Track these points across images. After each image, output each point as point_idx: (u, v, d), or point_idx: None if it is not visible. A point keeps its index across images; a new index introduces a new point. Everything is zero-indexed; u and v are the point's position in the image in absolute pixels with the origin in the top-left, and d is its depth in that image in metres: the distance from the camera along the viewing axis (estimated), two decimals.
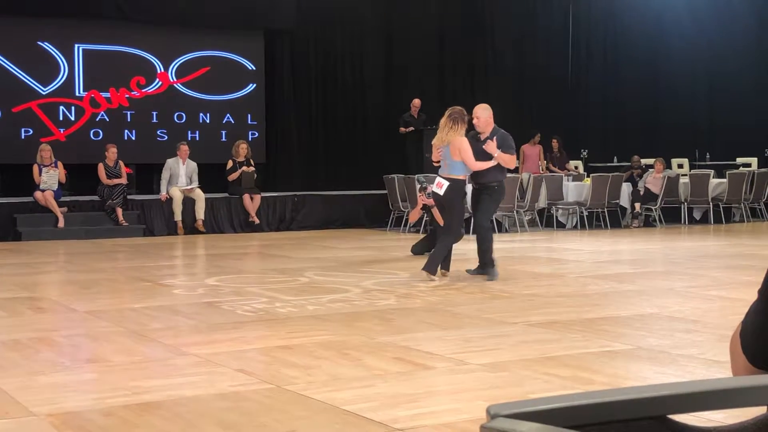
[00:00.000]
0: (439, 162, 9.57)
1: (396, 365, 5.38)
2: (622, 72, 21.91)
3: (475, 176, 9.55)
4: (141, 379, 5.09)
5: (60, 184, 15.25)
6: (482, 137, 9.54)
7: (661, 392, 1.13)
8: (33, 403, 4.56)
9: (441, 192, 9.32)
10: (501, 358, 5.59)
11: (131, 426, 4.19)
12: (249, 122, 18.36)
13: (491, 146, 9.41)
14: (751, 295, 1.49)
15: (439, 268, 9.43)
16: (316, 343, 6.04)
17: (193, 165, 16.24)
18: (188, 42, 17.88)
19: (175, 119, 17.83)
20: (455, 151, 9.25)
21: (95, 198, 15.69)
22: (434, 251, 9.50)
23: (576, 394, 1.11)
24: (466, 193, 9.77)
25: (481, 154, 9.38)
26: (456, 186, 9.33)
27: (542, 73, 21.24)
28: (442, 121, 9.44)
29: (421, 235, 13.36)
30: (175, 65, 17.82)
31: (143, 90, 17.53)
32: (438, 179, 9.41)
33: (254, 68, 18.39)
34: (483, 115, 9.57)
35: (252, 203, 16.33)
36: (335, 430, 4.12)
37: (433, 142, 9.67)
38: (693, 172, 18.38)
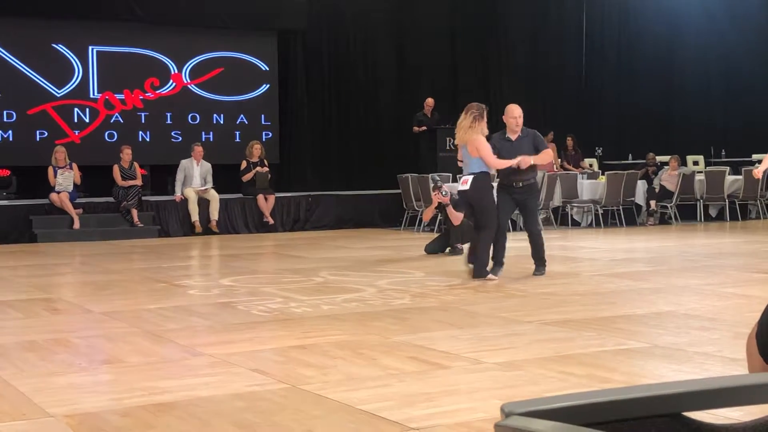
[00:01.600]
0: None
1: (411, 364, 5.37)
2: (636, 69, 21.85)
3: (516, 174, 9.38)
4: (157, 379, 5.11)
5: (75, 185, 15.31)
6: (514, 138, 9.43)
7: (676, 389, 1.13)
8: (50, 404, 4.57)
9: (467, 187, 9.19)
10: (516, 356, 5.58)
11: (148, 426, 4.20)
12: (263, 123, 18.40)
13: (526, 160, 9.24)
14: (767, 293, 1.49)
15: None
16: (332, 343, 6.04)
17: (208, 166, 16.28)
18: (202, 43, 17.93)
19: (189, 120, 17.89)
20: (473, 150, 9.15)
21: (110, 199, 15.75)
22: (479, 254, 9.26)
23: (590, 392, 1.11)
24: (493, 187, 9.57)
25: (509, 153, 9.28)
26: (480, 178, 9.18)
27: (556, 71, 21.19)
28: (461, 121, 9.30)
29: (435, 235, 13.35)
30: (188, 66, 17.88)
31: (157, 91, 17.59)
32: (462, 178, 9.36)
33: (267, 69, 18.42)
34: (522, 113, 9.48)
35: (266, 204, 16.36)
36: (351, 429, 4.12)
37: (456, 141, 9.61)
38: (708, 169, 18.30)
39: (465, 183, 9.22)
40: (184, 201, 15.88)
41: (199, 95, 17.97)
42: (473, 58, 20.57)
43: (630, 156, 20.38)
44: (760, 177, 13.50)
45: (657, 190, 17.22)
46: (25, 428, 4.22)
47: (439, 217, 14.10)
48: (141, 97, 17.45)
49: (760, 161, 19.17)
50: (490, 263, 9.43)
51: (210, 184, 16.16)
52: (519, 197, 9.50)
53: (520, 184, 9.41)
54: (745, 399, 1.16)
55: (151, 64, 17.58)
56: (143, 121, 17.52)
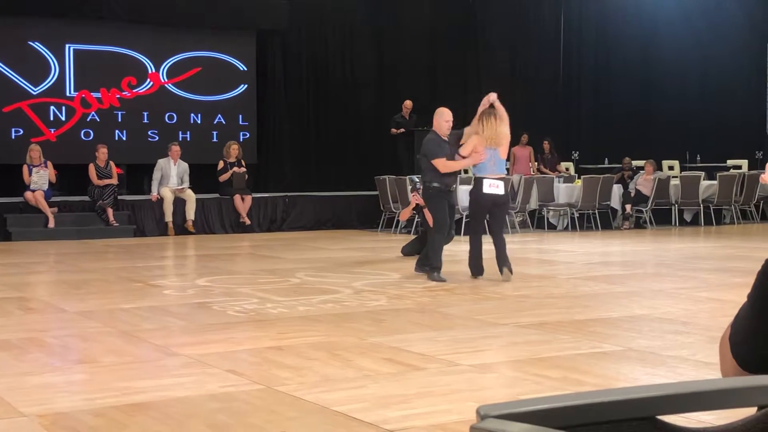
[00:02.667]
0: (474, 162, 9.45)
1: (387, 366, 5.38)
2: (613, 74, 21.96)
3: (449, 180, 9.64)
4: (131, 379, 5.08)
5: (50, 184, 15.22)
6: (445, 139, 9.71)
7: (650, 393, 1.13)
8: (23, 403, 4.54)
9: (502, 191, 9.43)
10: (491, 359, 5.59)
11: (121, 427, 4.18)
12: (240, 123, 18.35)
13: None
14: (741, 297, 1.50)
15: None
16: (307, 344, 6.04)
17: (185, 165, 16.22)
18: (180, 42, 17.86)
19: (166, 120, 17.81)
20: (506, 150, 9.56)
21: (86, 198, 15.65)
22: (502, 254, 9.46)
23: (566, 395, 1.11)
24: None
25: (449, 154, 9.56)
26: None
27: (534, 75, 21.27)
28: (498, 126, 9.36)
29: (412, 236, 13.36)
30: (166, 66, 17.80)
31: (134, 90, 17.50)
32: (490, 181, 9.31)
33: (246, 69, 18.37)
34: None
35: (243, 204, 16.31)
36: (326, 431, 4.11)
37: (477, 142, 9.33)
38: (684, 173, 18.41)
39: (497, 187, 9.36)
40: (161, 200, 15.82)
41: (176, 94, 17.89)
42: (452, 60, 20.60)
43: (606, 160, 20.49)
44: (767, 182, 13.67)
45: (632, 195, 17.31)
46: None
47: (416, 219, 14.11)
48: (118, 96, 17.35)
49: (735, 167, 19.37)
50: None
51: (187, 184, 16.10)
52: (450, 200, 9.82)
53: (453, 188, 9.84)
54: (719, 403, 1.17)
55: (129, 63, 17.49)
56: (120, 120, 17.42)
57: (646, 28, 21.90)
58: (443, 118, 9.63)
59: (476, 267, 9.57)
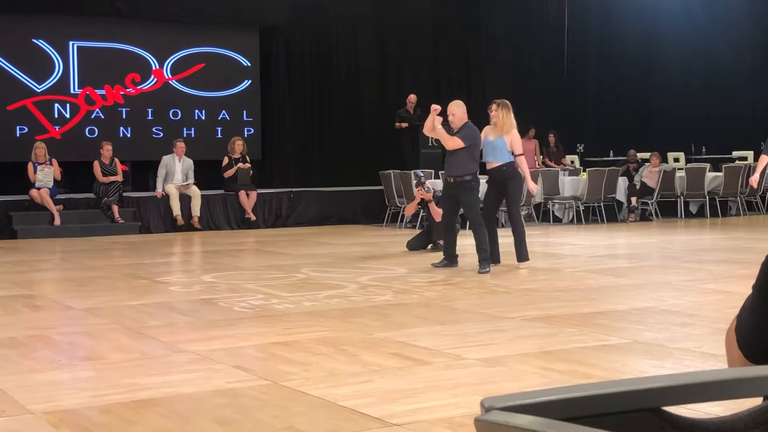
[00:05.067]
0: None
1: (393, 361, 5.38)
2: (617, 66, 21.91)
3: (446, 170, 10.04)
4: (138, 376, 5.09)
5: (55, 181, 15.22)
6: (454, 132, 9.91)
7: (656, 384, 1.13)
8: (30, 400, 4.55)
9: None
10: (498, 352, 5.59)
11: (128, 423, 4.18)
12: (244, 119, 18.35)
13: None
14: (747, 289, 1.49)
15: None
16: (313, 339, 6.04)
17: (189, 162, 16.22)
18: (183, 38, 17.86)
19: (171, 116, 17.81)
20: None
21: (91, 195, 15.67)
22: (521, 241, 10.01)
23: (571, 387, 1.11)
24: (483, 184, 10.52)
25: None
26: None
27: (538, 68, 21.23)
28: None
29: (417, 231, 13.35)
30: (170, 62, 17.80)
31: (138, 87, 17.50)
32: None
33: (249, 64, 18.37)
34: (458, 111, 9.89)
35: (248, 200, 16.31)
36: (332, 425, 4.12)
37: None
38: (689, 165, 18.37)
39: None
40: (166, 197, 15.82)
41: (180, 91, 17.89)
42: (455, 54, 20.57)
43: (611, 153, 20.45)
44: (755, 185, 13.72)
45: (638, 187, 17.28)
46: (5, 425, 4.20)
47: (421, 214, 14.10)
48: (122, 93, 17.35)
49: (741, 158, 19.33)
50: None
51: (191, 180, 16.09)
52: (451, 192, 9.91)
53: (451, 180, 9.83)
54: (725, 393, 1.16)
55: (132, 60, 17.49)
56: (124, 117, 17.43)
57: (649, 20, 21.85)
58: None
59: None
